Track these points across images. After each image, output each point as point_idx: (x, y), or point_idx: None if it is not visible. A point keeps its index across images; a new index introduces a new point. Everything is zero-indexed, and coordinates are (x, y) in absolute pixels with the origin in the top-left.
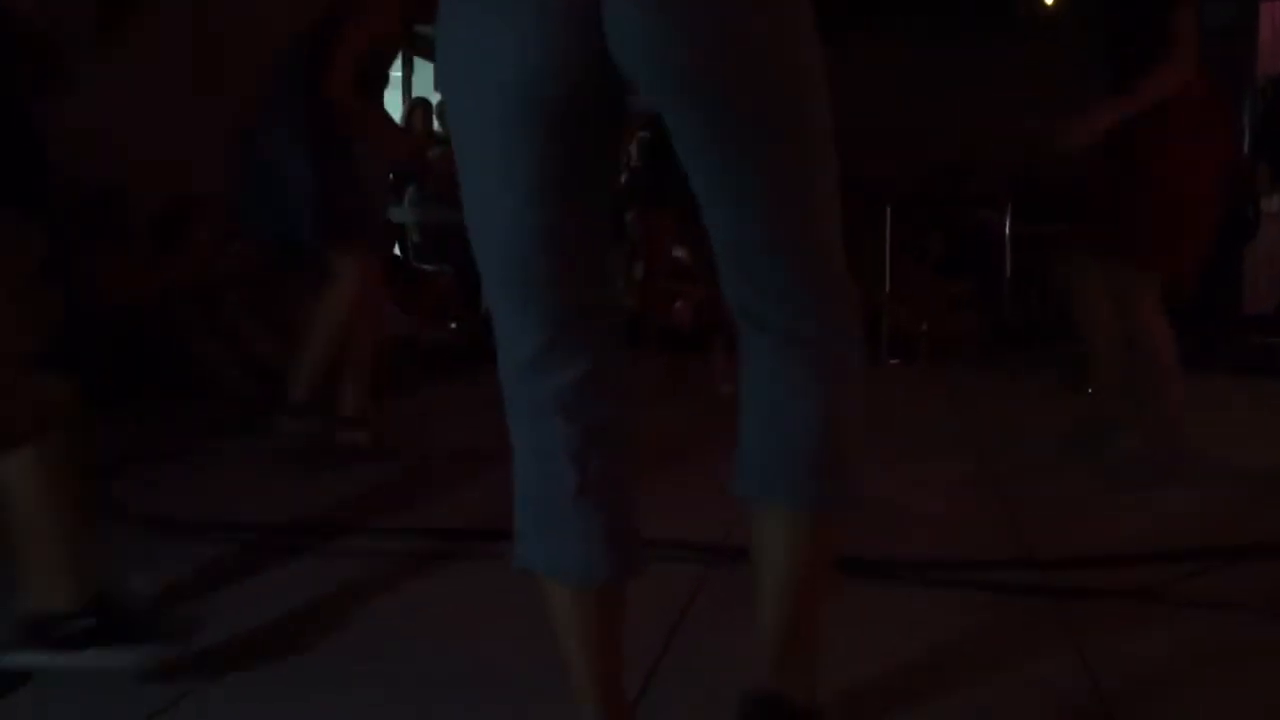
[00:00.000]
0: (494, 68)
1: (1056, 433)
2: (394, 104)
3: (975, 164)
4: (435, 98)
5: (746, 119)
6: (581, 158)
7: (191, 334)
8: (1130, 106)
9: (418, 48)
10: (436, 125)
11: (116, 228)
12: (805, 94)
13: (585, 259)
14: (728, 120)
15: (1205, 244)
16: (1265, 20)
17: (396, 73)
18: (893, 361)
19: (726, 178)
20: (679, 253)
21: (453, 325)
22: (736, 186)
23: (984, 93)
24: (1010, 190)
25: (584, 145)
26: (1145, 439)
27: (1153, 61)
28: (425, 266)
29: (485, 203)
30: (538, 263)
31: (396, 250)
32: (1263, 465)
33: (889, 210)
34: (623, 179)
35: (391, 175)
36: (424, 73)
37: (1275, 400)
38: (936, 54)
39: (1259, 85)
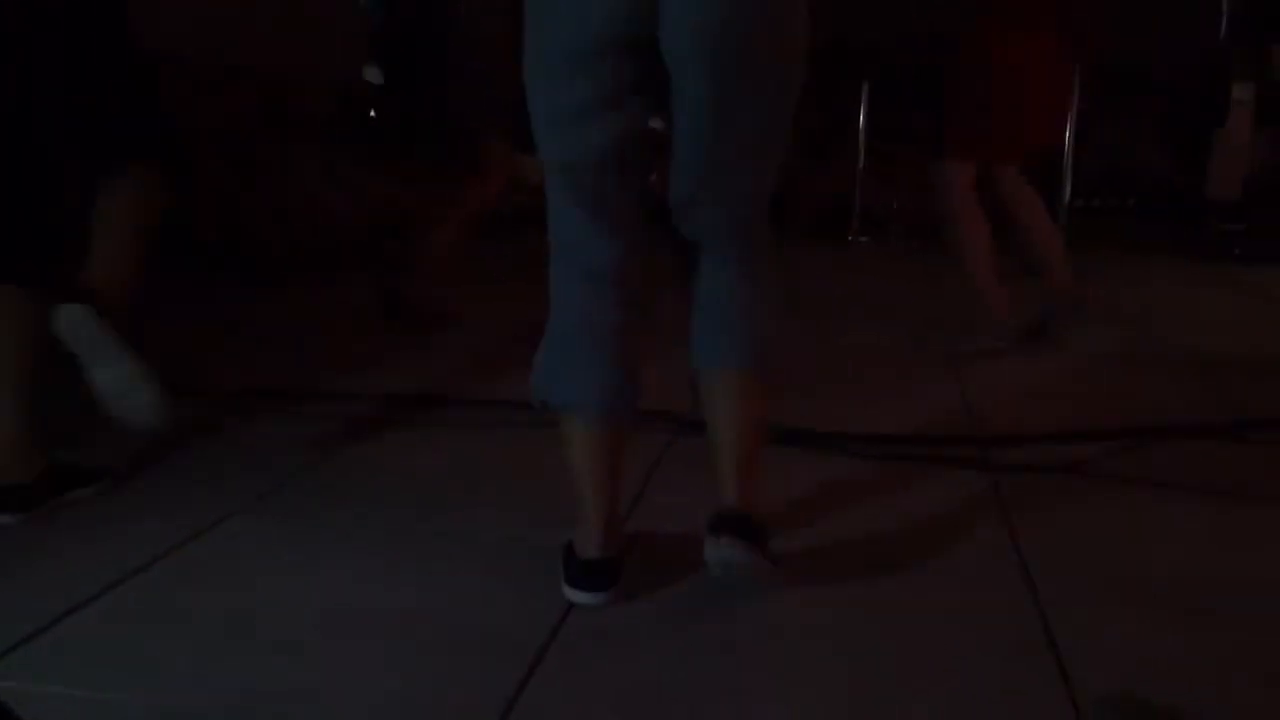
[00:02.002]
0: (566, 9)
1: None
2: None
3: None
4: None
5: (748, 72)
6: (626, 84)
7: None
8: None
9: None
10: None
11: None
12: (796, 62)
13: (636, 160)
14: (732, 72)
15: (1030, 133)
16: None
17: None
18: (862, 239)
19: (714, 114)
20: (655, 123)
21: None
22: (718, 124)
23: None
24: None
25: (637, 73)
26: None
27: None
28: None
29: (553, 104)
30: (601, 162)
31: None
32: (1208, 345)
33: (867, 85)
34: None
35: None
36: None
37: (1232, 286)
38: None
39: None
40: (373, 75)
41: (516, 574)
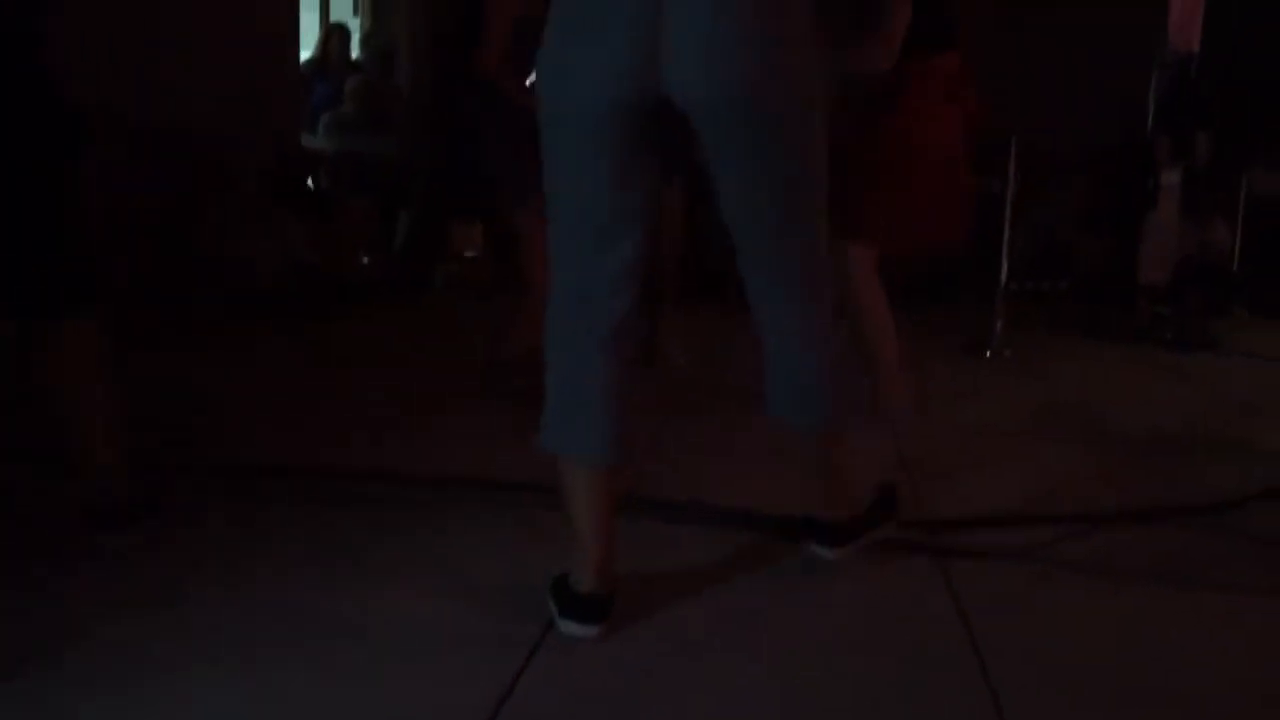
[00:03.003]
0: (588, 84)
1: (956, 393)
2: (311, 28)
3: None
4: (354, 24)
5: (776, 140)
6: (646, 153)
7: None
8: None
9: None
10: (355, 53)
11: None
12: (813, 107)
13: (645, 224)
14: (760, 140)
15: (942, 216)
16: None
17: None
18: None
19: (756, 192)
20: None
21: (364, 260)
22: (758, 200)
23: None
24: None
25: (650, 144)
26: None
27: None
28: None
29: (572, 180)
30: (612, 227)
31: (310, 181)
32: (1144, 428)
33: None
34: None
35: (314, 107)
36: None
37: (1164, 369)
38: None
39: (1165, 60)
40: (311, 141)
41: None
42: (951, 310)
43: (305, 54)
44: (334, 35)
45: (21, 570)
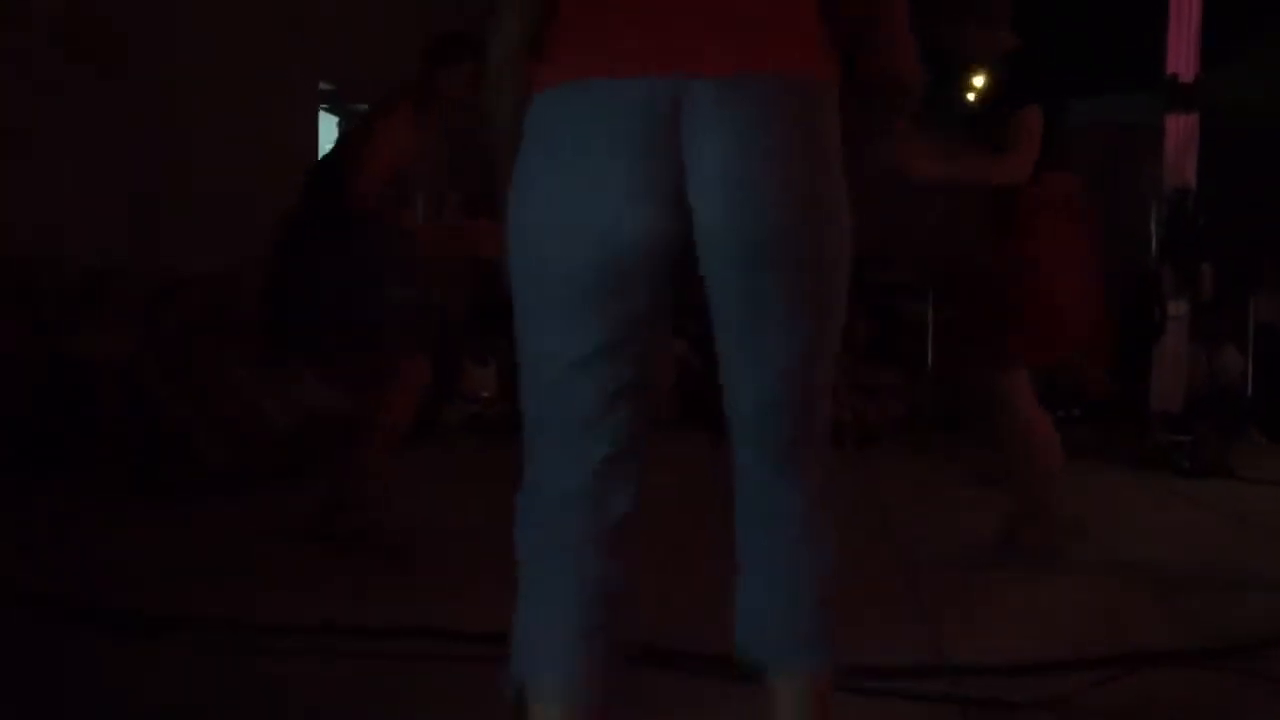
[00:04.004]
0: (579, 229)
1: (976, 527)
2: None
3: (895, 252)
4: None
5: (801, 282)
6: (643, 319)
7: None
8: (967, 172)
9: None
10: None
11: None
12: (843, 260)
13: (636, 406)
14: (781, 284)
15: (1084, 335)
16: (1170, 131)
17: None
18: None
19: (757, 339)
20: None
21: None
22: (762, 349)
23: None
24: (930, 278)
25: (647, 308)
26: (1030, 532)
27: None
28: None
29: (547, 351)
30: (594, 411)
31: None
32: (1166, 561)
33: None
34: None
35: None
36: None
37: (1180, 498)
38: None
39: (1165, 195)
40: None
41: None
42: (952, 437)
43: None
44: None
45: None
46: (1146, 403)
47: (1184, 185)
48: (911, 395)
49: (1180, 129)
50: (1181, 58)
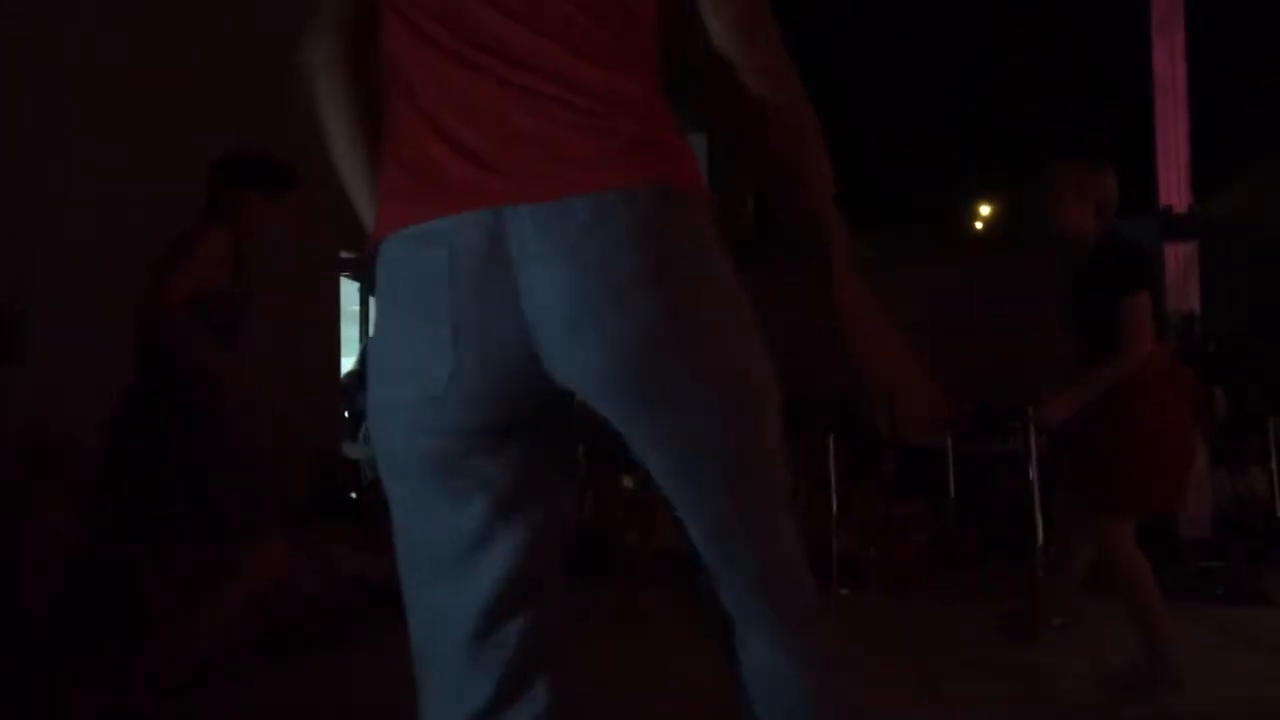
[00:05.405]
0: (411, 396)
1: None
2: (351, 339)
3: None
4: None
5: (684, 420)
6: (529, 483)
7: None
8: (1096, 387)
9: None
10: None
11: None
12: (735, 379)
13: (539, 607)
14: (664, 421)
15: (1175, 485)
16: (1170, 259)
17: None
18: (842, 591)
19: (679, 470)
20: (628, 482)
21: None
22: (691, 481)
23: (928, 314)
24: (955, 410)
25: (531, 466)
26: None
27: (1111, 343)
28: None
29: (427, 555)
30: (492, 617)
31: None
32: (1213, 702)
33: (832, 434)
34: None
35: (357, 415)
36: None
37: (1216, 628)
38: (878, 277)
39: (1171, 321)
40: (353, 451)
41: None
42: (975, 576)
43: (347, 365)
44: None
45: None
46: (1174, 530)
47: (1188, 310)
48: (938, 531)
49: (1179, 257)
50: (1173, 189)
